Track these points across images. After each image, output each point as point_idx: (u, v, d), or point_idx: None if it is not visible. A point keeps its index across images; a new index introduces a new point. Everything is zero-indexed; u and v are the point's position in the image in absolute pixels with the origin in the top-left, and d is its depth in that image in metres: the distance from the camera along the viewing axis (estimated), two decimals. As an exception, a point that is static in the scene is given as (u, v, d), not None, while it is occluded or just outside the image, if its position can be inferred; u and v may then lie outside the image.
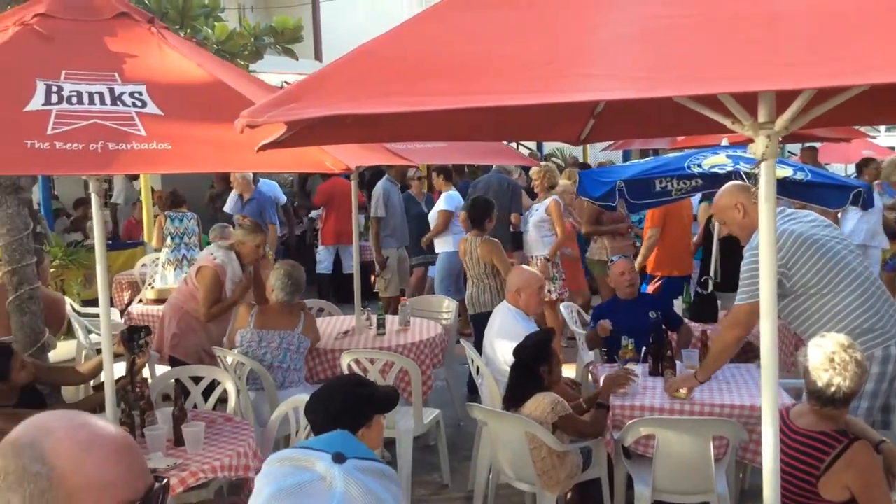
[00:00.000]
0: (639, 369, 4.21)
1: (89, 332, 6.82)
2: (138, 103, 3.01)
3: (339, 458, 1.56)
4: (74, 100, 2.92)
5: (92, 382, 4.62)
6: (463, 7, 1.77)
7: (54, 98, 2.90)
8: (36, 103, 2.86)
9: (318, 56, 14.09)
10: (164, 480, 1.31)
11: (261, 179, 9.19)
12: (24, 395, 4.00)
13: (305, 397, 4.03)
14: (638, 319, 4.88)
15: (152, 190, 9.91)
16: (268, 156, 2.68)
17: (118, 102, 2.98)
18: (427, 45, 1.69)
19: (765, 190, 2.12)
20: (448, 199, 8.09)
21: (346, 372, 4.79)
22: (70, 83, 2.98)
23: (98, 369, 4.27)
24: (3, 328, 5.44)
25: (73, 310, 7.08)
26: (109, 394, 3.59)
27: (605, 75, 1.53)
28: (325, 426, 2.38)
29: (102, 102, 2.95)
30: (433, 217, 8.20)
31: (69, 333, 7.24)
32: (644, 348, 4.45)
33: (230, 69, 3.73)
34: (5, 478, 1.17)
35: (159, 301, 6.96)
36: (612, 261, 5.37)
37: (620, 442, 3.81)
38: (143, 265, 8.62)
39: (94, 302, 8.20)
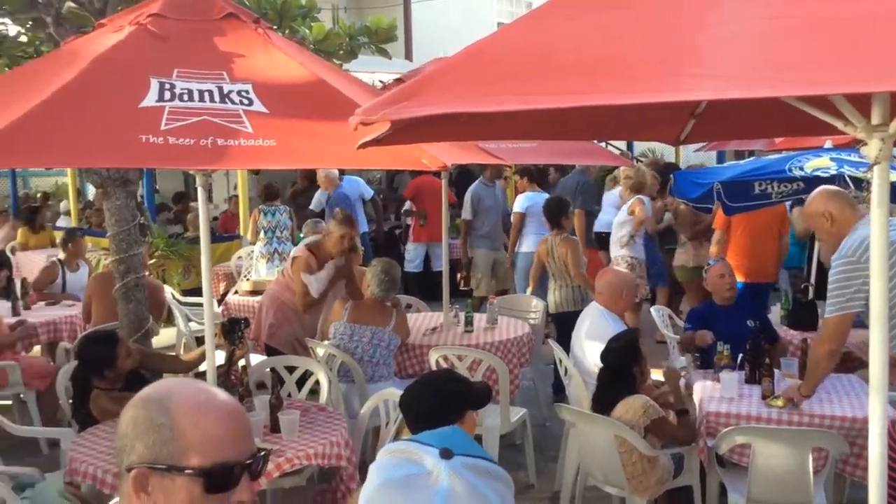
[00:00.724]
0: (735, 376, 4.11)
1: (189, 319, 7.08)
2: (245, 101, 3.11)
3: (446, 454, 1.60)
4: (186, 97, 3.04)
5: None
6: (570, 7, 1.77)
7: (167, 95, 3.03)
8: (150, 100, 2.99)
9: (408, 55, 14.24)
10: (265, 452, 1.42)
11: (344, 176, 9.35)
12: (129, 380, 4.20)
13: (395, 391, 4.13)
14: (735, 326, 4.75)
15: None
16: (367, 153, 2.73)
17: (226, 100, 3.09)
18: (537, 46, 1.69)
19: (878, 195, 2.04)
20: (520, 201, 8.09)
21: (433, 367, 4.84)
22: (182, 81, 3.11)
23: (200, 359, 4.45)
24: (109, 314, 5.73)
25: (174, 298, 7.36)
26: (211, 380, 3.73)
27: (717, 75, 1.50)
28: (419, 420, 2.41)
29: (212, 100, 3.07)
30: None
31: (169, 321, 7.55)
32: (741, 355, 4.33)
33: (331, 68, 3.82)
34: (135, 426, 1.35)
35: (254, 292, 7.18)
36: (708, 264, 5.24)
37: (714, 449, 3.73)
38: (239, 257, 8.91)
39: (192, 291, 8.53)
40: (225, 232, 11.04)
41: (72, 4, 5.43)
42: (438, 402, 2.50)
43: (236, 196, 11.27)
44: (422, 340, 5.40)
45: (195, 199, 13.88)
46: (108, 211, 5.47)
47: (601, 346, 4.12)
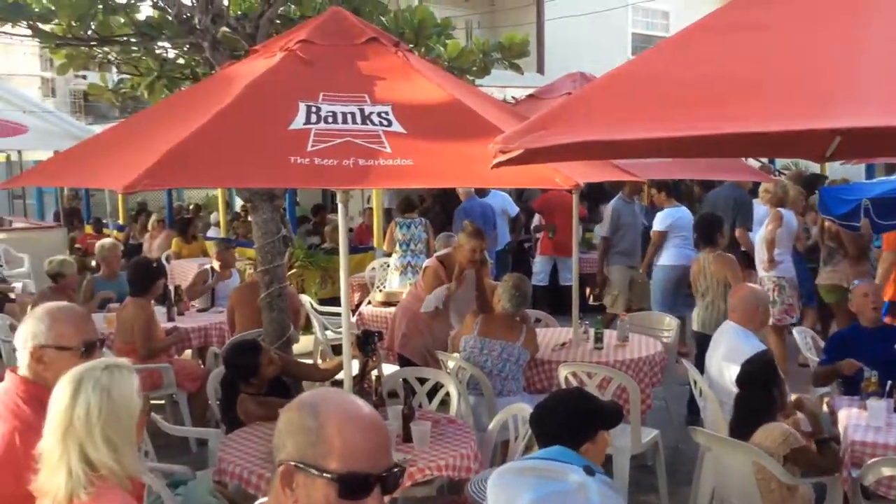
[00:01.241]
0: (883, 405, 3.88)
1: (325, 328, 7.37)
2: (385, 122, 3.24)
3: (589, 471, 1.63)
4: (330, 119, 3.21)
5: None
6: (712, 31, 1.76)
7: (313, 118, 3.20)
8: (298, 123, 3.17)
9: (540, 69, 14.26)
10: (401, 468, 1.50)
11: (491, 190, 9.41)
12: (271, 385, 4.44)
13: (524, 406, 4.15)
14: (883, 351, 4.49)
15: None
16: (500, 171, 2.78)
17: (367, 122, 3.23)
18: (679, 70, 1.70)
19: None
20: (662, 219, 7.89)
21: (562, 384, 4.83)
22: (327, 104, 3.28)
23: (337, 369, 4.64)
24: (251, 323, 6.05)
25: (312, 307, 7.68)
26: (347, 389, 3.89)
27: (874, 97, 1.46)
28: (551, 438, 2.43)
29: (354, 122, 3.22)
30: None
31: (307, 329, 7.88)
32: (889, 382, 4.09)
33: (467, 88, 3.91)
34: (289, 426, 1.49)
35: (387, 304, 7.38)
36: (853, 284, 4.97)
37: (860, 481, 3.54)
38: (373, 269, 9.18)
39: (328, 301, 8.86)
40: (360, 244, 11.40)
41: (226, 30, 5.82)
42: (570, 421, 2.51)
43: (370, 209, 11.63)
44: (551, 356, 5.39)
45: (333, 212, 14.42)
46: (255, 224, 5.80)
47: (736, 364, 4.00)
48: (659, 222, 7.87)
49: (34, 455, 2.16)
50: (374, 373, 4.50)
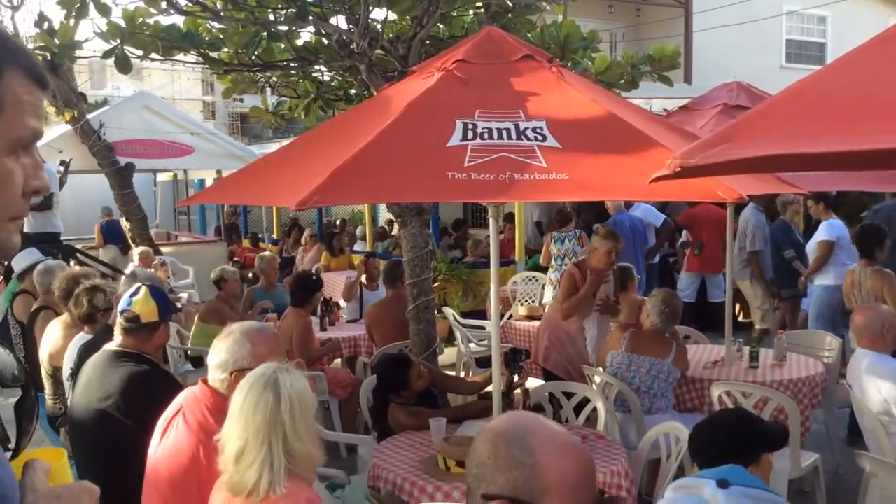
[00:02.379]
0: None
1: (468, 341, 7.47)
2: (539, 137, 3.28)
3: (722, 484, 1.60)
4: (486, 135, 3.28)
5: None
6: (891, 43, 1.68)
7: (470, 135, 3.29)
8: (455, 139, 3.26)
9: (687, 79, 13.90)
10: (608, 496, 1.49)
11: (639, 204, 9.27)
12: (421, 395, 4.56)
13: (676, 424, 4.07)
14: None
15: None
16: (658, 185, 2.76)
17: (522, 137, 3.28)
18: (859, 85, 1.64)
19: None
20: (829, 229, 7.47)
21: (715, 403, 4.68)
22: (483, 121, 3.36)
23: (483, 384, 4.71)
24: (394, 335, 6.21)
25: (455, 320, 7.81)
26: (497, 402, 3.93)
27: None
28: (712, 459, 2.37)
29: (509, 137, 3.28)
30: (811, 249, 7.64)
31: (449, 341, 8.02)
32: None
33: (621, 102, 3.90)
34: (496, 459, 1.42)
35: (530, 318, 7.41)
36: None
37: None
38: (514, 282, 9.22)
39: (470, 314, 8.99)
40: (501, 257, 11.47)
41: (380, 52, 6.05)
42: (734, 443, 2.45)
43: (509, 223, 11.70)
44: (702, 374, 5.24)
45: (474, 226, 14.56)
46: (404, 238, 5.98)
47: (886, 386, 3.75)
48: (826, 232, 7.45)
49: (216, 465, 2.33)
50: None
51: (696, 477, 1.77)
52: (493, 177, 3.04)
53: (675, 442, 4.01)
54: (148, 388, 3.20)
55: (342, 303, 8.06)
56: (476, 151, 3.19)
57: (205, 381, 2.75)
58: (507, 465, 1.40)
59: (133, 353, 3.29)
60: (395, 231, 15.30)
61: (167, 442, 2.69)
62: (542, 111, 3.45)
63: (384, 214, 17.02)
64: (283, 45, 7.22)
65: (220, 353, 2.70)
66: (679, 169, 1.78)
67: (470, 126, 3.33)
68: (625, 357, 5.01)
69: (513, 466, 1.39)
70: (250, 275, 10.23)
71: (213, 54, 7.02)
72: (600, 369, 5.14)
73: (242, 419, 2.26)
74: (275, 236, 14.79)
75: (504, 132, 3.31)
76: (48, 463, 1.07)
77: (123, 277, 5.24)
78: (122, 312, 3.23)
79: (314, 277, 6.41)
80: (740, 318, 9.01)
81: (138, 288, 3.23)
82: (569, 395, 4.73)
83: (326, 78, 8.63)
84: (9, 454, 1.01)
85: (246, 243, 14.48)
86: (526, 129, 3.34)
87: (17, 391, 1.16)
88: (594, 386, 5.01)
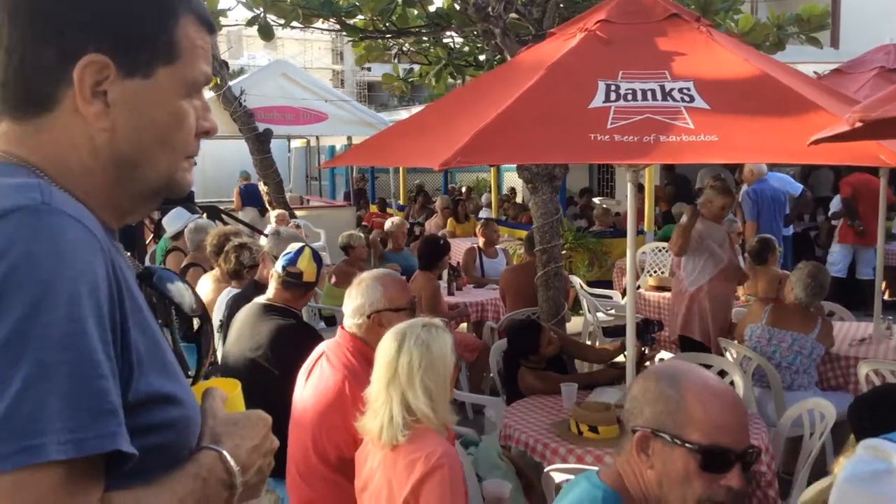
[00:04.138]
0: None
1: (596, 310, 7.38)
2: (686, 98, 3.18)
3: None
4: (630, 97, 3.20)
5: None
6: None
7: (613, 96, 3.21)
8: (597, 101, 3.20)
9: (834, 42, 13.08)
10: (757, 449, 1.47)
11: (770, 173, 8.86)
12: (550, 361, 4.56)
13: (821, 401, 3.89)
14: None
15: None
16: (815, 148, 2.63)
17: (668, 98, 3.19)
18: None
19: None
20: None
21: (862, 382, 4.45)
22: (626, 82, 3.28)
23: (615, 353, 4.66)
24: (524, 301, 6.21)
25: (582, 289, 7.73)
26: (630, 371, 3.87)
27: None
28: (872, 432, 2.26)
29: (654, 98, 3.19)
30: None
31: (575, 310, 7.95)
32: None
33: (774, 63, 3.71)
34: (645, 394, 1.53)
35: (658, 288, 7.24)
36: None
37: None
38: (643, 252, 9.03)
39: (596, 283, 8.87)
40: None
41: (514, 16, 6.00)
42: None
43: (641, 193, 11.43)
44: (847, 351, 4.99)
45: (598, 195, 14.30)
46: (534, 205, 5.95)
47: None
48: None
49: (361, 399, 2.44)
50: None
51: (885, 440, 1.69)
52: (637, 138, 2.97)
53: (819, 419, 3.85)
54: (294, 340, 3.35)
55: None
56: (619, 113, 3.12)
57: (343, 328, 2.93)
58: (655, 398, 1.49)
59: (281, 307, 3.45)
60: (518, 198, 15.26)
61: (312, 383, 2.86)
62: (690, 71, 3.33)
63: (507, 182, 17.00)
64: (415, 12, 7.28)
65: (355, 299, 2.88)
66: (859, 123, 1.68)
67: (613, 87, 3.26)
68: (765, 331, 4.82)
69: (660, 399, 1.48)
70: (370, 237, 10.48)
71: (350, 21, 7.16)
72: (738, 344, 4.97)
73: (377, 370, 2.33)
74: (401, 202, 15.05)
75: (648, 93, 3.22)
76: (225, 392, 1.13)
77: (267, 236, 5.47)
78: (284, 267, 3.38)
79: (442, 242, 6.48)
80: (885, 297, 8.49)
81: (302, 247, 3.38)
82: (705, 367, 4.60)
83: (457, 44, 8.66)
84: (188, 381, 1.07)
85: (373, 208, 14.80)
86: (672, 90, 3.23)
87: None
88: (731, 359, 4.86)
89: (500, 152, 3.07)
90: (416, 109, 13.39)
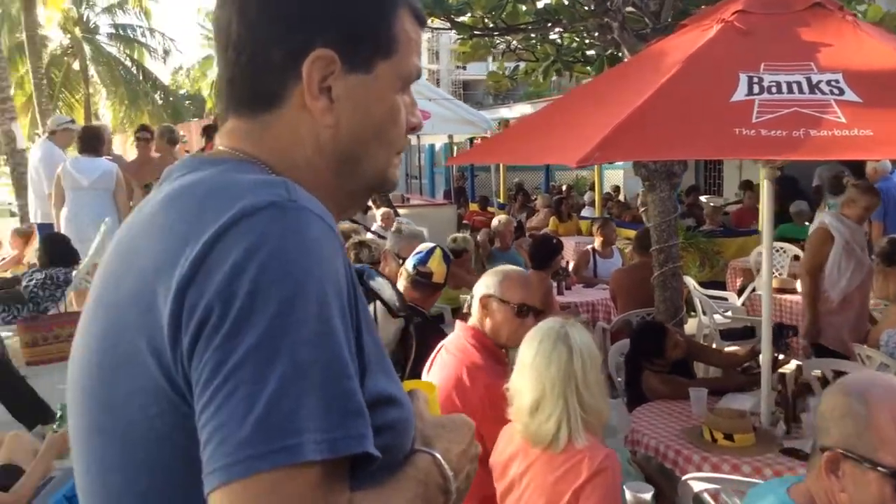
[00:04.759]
0: None
1: (714, 311, 7.14)
2: (836, 91, 3.01)
3: None
4: (774, 90, 3.06)
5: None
6: None
7: (756, 89, 3.07)
8: (739, 94, 3.07)
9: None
10: None
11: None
12: (675, 365, 4.42)
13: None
14: None
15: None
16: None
17: (815, 91, 3.03)
18: None
19: None
20: None
21: None
22: (769, 74, 3.13)
23: (745, 358, 4.47)
24: (636, 303, 6.06)
25: (696, 290, 7.50)
26: (765, 381, 3.70)
27: None
28: None
29: (800, 91, 3.03)
30: None
31: (686, 311, 7.71)
32: None
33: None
34: (833, 411, 1.42)
35: (781, 290, 6.95)
36: None
37: None
38: (759, 253, 8.68)
39: (707, 284, 8.58)
40: (738, 226, 10.89)
41: (631, 9, 5.87)
42: None
43: (751, 191, 11.04)
44: None
45: (705, 193, 13.88)
46: (651, 203, 5.80)
47: None
48: None
49: (481, 388, 2.50)
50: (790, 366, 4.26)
51: None
52: (786, 133, 2.83)
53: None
54: (422, 338, 3.36)
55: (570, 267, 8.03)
56: (764, 106, 2.98)
57: (461, 320, 3.01)
58: (842, 416, 1.38)
59: (408, 305, 3.47)
60: (620, 196, 14.98)
61: (433, 374, 2.90)
62: (837, 63, 3.15)
63: (609, 180, 16.73)
64: (523, 8, 7.22)
65: (477, 283, 2.98)
66: None
67: (755, 80, 3.12)
68: (904, 336, 4.55)
69: (847, 417, 1.37)
70: (478, 237, 10.46)
71: (458, 19, 7.16)
72: (872, 350, 4.71)
73: (535, 372, 2.29)
74: (500, 200, 14.99)
75: (794, 86, 3.07)
76: (426, 393, 1.11)
77: (389, 233, 5.53)
78: (415, 266, 3.40)
79: (555, 241, 6.40)
80: None
81: (434, 247, 3.39)
82: (840, 374, 4.38)
83: (563, 40, 8.55)
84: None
85: (473, 207, 14.79)
86: (819, 82, 3.07)
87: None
88: (868, 365, 4.60)
89: (640, 148, 2.99)
90: (519, 107, 13.33)
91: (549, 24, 7.21)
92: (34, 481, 3.18)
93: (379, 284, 1.12)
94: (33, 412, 4.88)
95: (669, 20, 5.65)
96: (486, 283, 2.94)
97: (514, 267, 3.05)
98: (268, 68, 0.96)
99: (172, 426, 0.82)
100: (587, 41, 8.18)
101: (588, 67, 8.37)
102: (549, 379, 2.25)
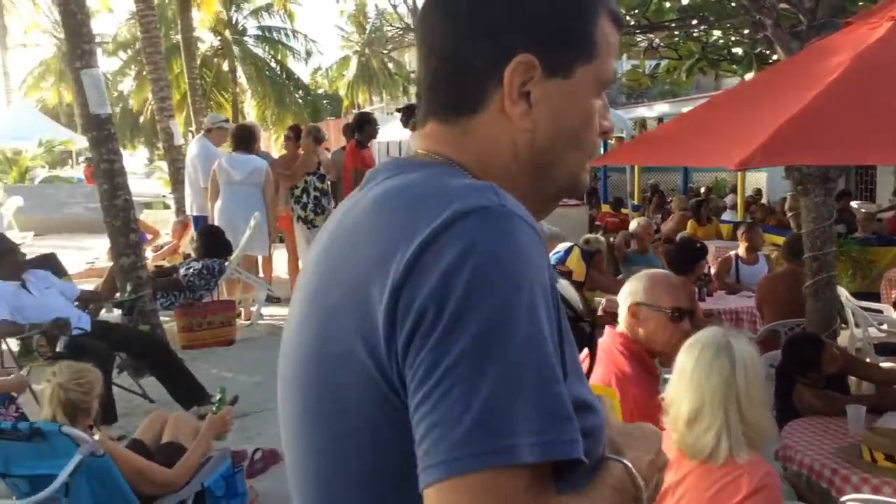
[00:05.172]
0: None
1: (869, 324, 6.74)
2: None
3: None
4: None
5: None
6: None
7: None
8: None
9: None
10: None
11: None
12: (829, 379, 4.19)
13: None
14: None
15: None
16: None
17: None
18: None
19: None
20: None
21: None
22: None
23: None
24: (788, 311, 5.77)
25: (848, 301, 7.08)
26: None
27: None
28: None
29: None
30: None
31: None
32: None
33: None
34: None
35: (944, 303, 6.47)
36: None
37: None
38: (922, 263, 8.13)
39: (860, 295, 8.09)
40: (894, 234, 10.21)
41: (784, 5, 5.60)
42: None
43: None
44: None
45: (856, 198, 13.10)
46: (804, 208, 5.51)
47: None
48: None
49: (632, 398, 2.42)
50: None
51: None
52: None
53: None
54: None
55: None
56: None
57: (612, 326, 2.93)
58: None
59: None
60: (763, 200, 14.32)
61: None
62: None
63: (751, 182, 16.03)
64: (668, 4, 7.04)
65: (622, 291, 2.88)
66: None
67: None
68: None
69: None
70: (611, 239, 10.28)
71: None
72: None
73: (695, 382, 2.23)
74: (635, 202, 14.67)
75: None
76: (611, 400, 1.10)
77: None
78: (554, 266, 3.40)
79: (699, 245, 6.20)
80: None
81: (572, 246, 3.37)
82: None
83: (708, 37, 8.27)
84: None
85: (605, 208, 14.55)
86: None
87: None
88: None
89: (808, 151, 2.85)
90: (659, 106, 12.99)
91: (695, 22, 6.99)
92: (195, 460, 3.39)
93: (562, 287, 1.12)
94: (190, 393, 5.19)
95: (825, 18, 5.35)
96: (631, 290, 2.84)
97: (657, 269, 2.98)
98: (470, 74, 0.98)
99: (384, 419, 0.85)
100: (733, 38, 7.88)
101: (735, 66, 8.06)
102: (708, 390, 2.19)
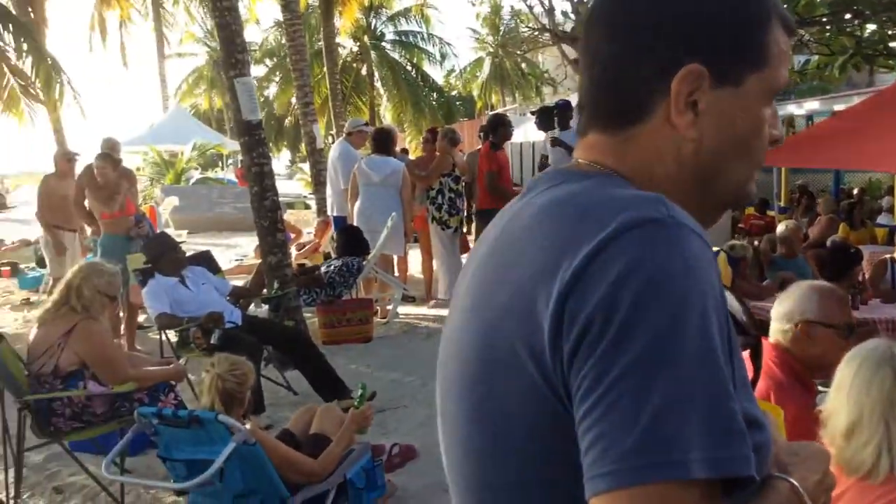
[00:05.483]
0: None
1: None
2: None
3: None
4: None
5: None
6: None
7: None
8: None
9: None
10: None
11: None
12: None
13: None
14: None
15: None
16: None
17: None
18: None
19: None
20: None
21: None
22: None
23: None
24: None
25: None
26: None
27: None
28: None
29: None
30: None
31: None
32: None
33: None
34: None
35: None
36: None
37: None
38: None
39: None
40: None
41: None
42: None
43: None
44: None
45: None
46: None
47: None
48: None
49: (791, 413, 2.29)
50: None
51: None
52: None
53: None
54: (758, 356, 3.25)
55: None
56: None
57: (765, 338, 2.74)
58: None
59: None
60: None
61: None
62: None
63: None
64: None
65: (785, 304, 2.73)
66: None
67: None
68: None
69: None
70: (755, 242, 9.85)
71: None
72: None
73: (854, 394, 2.12)
74: (782, 203, 13.95)
75: None
76: (775, 417, 1.07)
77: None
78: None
79: (853, 250, 5.85)
80: None
81: (717, 252, 3.27)
82: None
83: (863, 31, 7.79)
84: None
85: (750, 210, 13.93)
86: None
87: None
88: None
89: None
90: (808, 104, 12.32)
91: (848, 16, 6.61)
92: (338, 452, 3.52)
93: (732, 302, 1.09)
94: (331, 387, 5.39)
95: None
96: (800, 307, 2.68)
97: (821, 282, 2.82)
98: (636, 84, 0.98)
99: (547, 426, 0.87)
100: (890, 32, 7.40)
101: (892, 61, 7.57)
102: (868, 402, 2.07)
